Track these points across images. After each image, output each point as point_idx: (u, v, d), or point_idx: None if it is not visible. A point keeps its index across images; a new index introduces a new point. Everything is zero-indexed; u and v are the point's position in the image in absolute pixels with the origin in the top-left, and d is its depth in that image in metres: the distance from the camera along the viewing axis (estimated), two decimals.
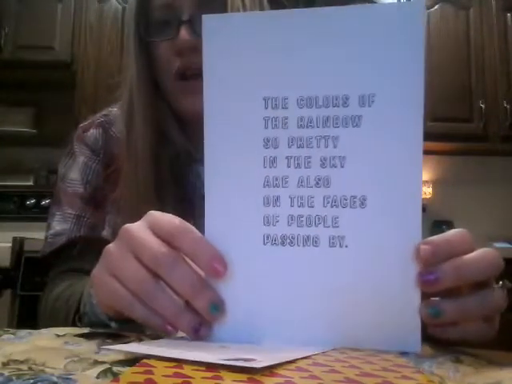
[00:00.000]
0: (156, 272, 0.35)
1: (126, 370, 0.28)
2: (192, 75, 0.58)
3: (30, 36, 2.36)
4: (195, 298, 0.34)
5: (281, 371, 0.27)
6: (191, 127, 0.62)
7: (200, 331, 0.34)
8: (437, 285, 0.33)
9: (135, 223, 0.37)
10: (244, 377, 0.25)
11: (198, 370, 0.26)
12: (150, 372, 0.26)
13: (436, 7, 2.50)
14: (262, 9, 0.63)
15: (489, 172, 2.64)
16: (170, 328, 0.35)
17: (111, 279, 0.37)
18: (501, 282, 0.38)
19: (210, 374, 0.26)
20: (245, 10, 0.59)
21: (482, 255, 0.35)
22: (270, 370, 0.27)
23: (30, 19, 2.37)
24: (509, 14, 2.50)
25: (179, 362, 0.27)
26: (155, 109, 0.61)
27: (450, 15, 2.50)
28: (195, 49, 0.56)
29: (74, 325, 0.51)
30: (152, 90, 0.61)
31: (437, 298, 0.34)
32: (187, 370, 0.26)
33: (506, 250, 2.16)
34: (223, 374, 0.26)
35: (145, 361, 0.28)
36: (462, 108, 2.42)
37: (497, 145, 2.43)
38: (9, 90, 2.50)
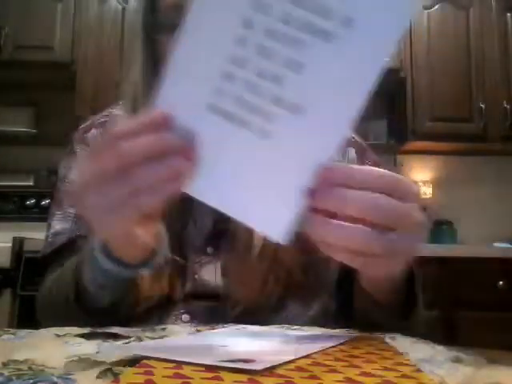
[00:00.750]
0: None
1: (126, 370, 0.28)
2: None
3: (30, 36, 2.36)
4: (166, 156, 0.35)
5: (281, 371, 0.27)
6: None
7: (178, 181, 0.35)
8: (312, 202, 0.35)
9: None
10: (244, 377, 0.25)
11: (197, 370, 0.26)
12: (150, 373, 0.26)
13: (436, 7, 2.50)
14: None
15: (489, 172, 2.64)
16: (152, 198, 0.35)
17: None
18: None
19: (209, 375, 0.26)
20: None
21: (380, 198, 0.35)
22: (269, 370, 0.27)
23: (30, 19, 2.37)
24: (509, 14, 2.50)
25: (178, 362, 0.27)
26: None
27: (450, 15, 2.50)
28: None
29: (79, 297, 0.51)
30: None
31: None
32: (187, 370, 0.26)
33: (506, 250, 2.17)
34: (223, 374, 0.26)
35: (145, 361, 0.28)
36: (462, 108, 2.42)
37: (497, 145, 2.43)
38: (9, 90, 2.50)
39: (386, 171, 0.37)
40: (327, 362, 0.30)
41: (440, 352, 0.36)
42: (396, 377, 0.27)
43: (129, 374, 0.25)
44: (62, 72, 2.37)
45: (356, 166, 0.37)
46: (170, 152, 0.35)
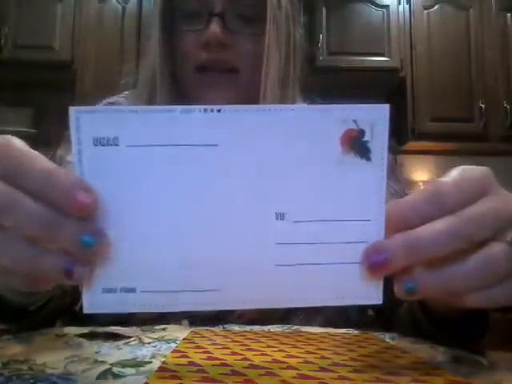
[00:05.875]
0: None
1: (127, 370, 0.28)
2: (214, 69, 0.58)
3: (30, 36, 2.36)
4: (54, 235, 0.26)
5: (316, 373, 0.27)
6: None
7: (74, 272, 0.26)
8: (386, 268, 0.27)
9: None
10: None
11: (223, 373, 0.27)
12: (177, 377, 0.26)
13: (436, 7, 2.50)
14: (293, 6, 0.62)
15: None
16: (33, 283, 0.27)
17: None
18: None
19: (241, 379, 0.26)
20: (279, 6, 0.58)
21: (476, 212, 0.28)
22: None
23: (30, 19, 2.37)
24: (509, 14, 2.50)
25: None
26: (176, 99, 0.60)
27: (450, 15, 2.50)
28: (223, 44, 0.56)
29: None
30: (172, 81, 0.60)
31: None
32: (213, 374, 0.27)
33: None
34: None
35: (162, 366, 0.28)
36: (462, 108, 2.42)
37: (497, 145, 2.43)
38: (9, 90, 2.49)
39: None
40: (347, 362, 0.30)
41: (440, 352, 0.36)
42: (422, 375, 0.27)
43: (154, 378, 0.26)
44: (62, 72, 2.37)
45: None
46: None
